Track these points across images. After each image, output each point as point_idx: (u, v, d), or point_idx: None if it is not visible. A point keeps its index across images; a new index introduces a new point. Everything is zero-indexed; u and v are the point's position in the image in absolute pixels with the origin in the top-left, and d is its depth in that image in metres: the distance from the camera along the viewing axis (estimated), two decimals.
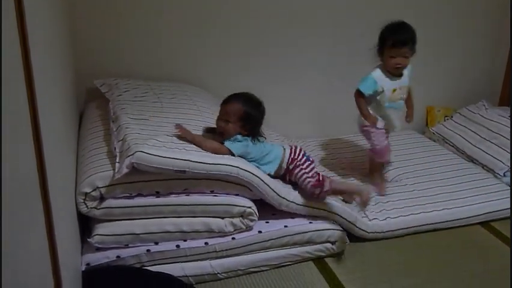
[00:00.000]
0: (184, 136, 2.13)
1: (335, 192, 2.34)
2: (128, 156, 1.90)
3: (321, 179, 2.25)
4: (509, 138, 3.01)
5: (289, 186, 2.29)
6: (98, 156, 2.09)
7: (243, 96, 2.26)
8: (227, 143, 2.17)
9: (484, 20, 3.54)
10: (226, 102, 2.24)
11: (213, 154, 2.07)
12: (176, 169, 1.95)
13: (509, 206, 2.61)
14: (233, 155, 2.14)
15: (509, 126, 3.09)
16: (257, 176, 2.10)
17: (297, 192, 2.25)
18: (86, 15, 2.72)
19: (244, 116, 2.19)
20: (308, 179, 2.24)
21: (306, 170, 2.27)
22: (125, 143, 2.00)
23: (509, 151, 2.95)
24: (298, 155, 2.30)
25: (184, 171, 1.97)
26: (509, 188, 2.77)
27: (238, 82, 3.07)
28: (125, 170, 1.89)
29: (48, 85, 1.42)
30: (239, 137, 2.19)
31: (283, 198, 2.19)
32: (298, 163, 2.28)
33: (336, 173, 2.84)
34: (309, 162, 2.30)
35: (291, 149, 2.32)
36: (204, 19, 2.92)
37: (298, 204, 2.22)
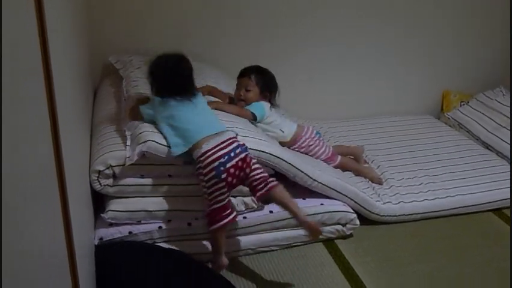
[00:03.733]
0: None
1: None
2: (140, 143, 1.91)
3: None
4: None
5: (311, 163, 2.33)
6: (111, 134, 2.11)
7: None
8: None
9: (505, 3, 3.46)
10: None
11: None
12: (185, 160, 1.98)
13: None
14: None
15: None
16: (269, 154, 2.11)
17: (320, 171, 2.27)
18: None
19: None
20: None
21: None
22: (137, 127, 2.02)
23: None
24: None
25: (190, 162, 1.99)
26: None
27: (253, 62, 3.07)
28: (136, 158, 1.91)
29: (64, 63, 1.43)
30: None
31: (308, 175, 2.21)
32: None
33: None
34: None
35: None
36: None
37: (320, 183, 2.25)
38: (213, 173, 1.87)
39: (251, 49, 3.06)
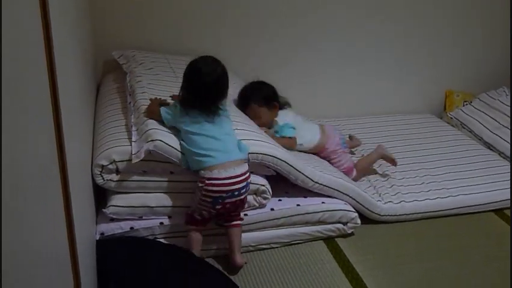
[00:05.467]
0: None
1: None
2: (148, 141, 1.90)
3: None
4: None
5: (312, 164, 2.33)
6: (115, 129, 2.11)
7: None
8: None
9: (506, 3, 3.45)
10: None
11: None
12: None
13: None
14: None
15: None
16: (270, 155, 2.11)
17: (321, 172, 2.27)
18: None
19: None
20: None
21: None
22: (144, 123, 2.01)
23: None
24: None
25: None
26: None
27: (258, 59, 3.08)
28: (143, 155, 1.90)
29: (67, 57, 1.43)
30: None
31: (308, 177, 2.21)
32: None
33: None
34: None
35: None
36: None
37: (322, 185, 2.25)
38: (209, 199, 1.90)
39: (251, 46, 3.05)
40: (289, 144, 2.41)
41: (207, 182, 1.88)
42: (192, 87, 1.94)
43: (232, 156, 1.91)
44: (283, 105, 2.57)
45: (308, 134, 2.55)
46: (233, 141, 1.99)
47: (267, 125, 2.49)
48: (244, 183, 1.92)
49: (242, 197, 1.94)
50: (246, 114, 2.41)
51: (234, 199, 1.91)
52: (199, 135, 1.91)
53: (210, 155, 1.88)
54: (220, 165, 1.87)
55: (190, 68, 1.96)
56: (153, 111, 2.02)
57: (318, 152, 2.56)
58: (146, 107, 2.06)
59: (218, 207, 1.91)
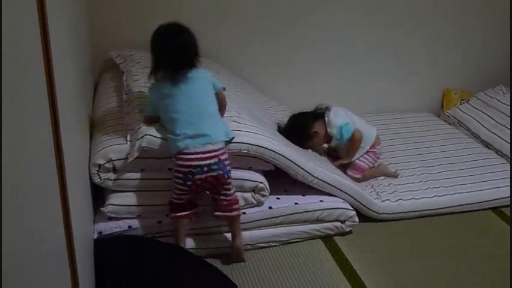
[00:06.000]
0: None
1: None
2: (138, 139, 1.92)
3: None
4: None
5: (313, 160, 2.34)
6: (112, 128, 2.11)
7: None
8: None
9: (506, 1, 3.46)
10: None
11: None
12: None
13: None
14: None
15: None
16: (265, 147, 2.11)
17: (321, 168, 2.27)
18: None
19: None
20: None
21: None
22: (136, 122, 2.02)
23: None
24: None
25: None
26: None
27: (258, 59, 3.08)
28: (136, 154, 1.92)
29: (65, 57, 1.43)
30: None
31: (308, 172, 2.22)
32: None
33: None
34: None
35: None
36: None
37: (321, 180, 2.25)
38: (181, 175, 1.90)
39: (251, 46, 3.05)
40: (358, 138, 2.51)
41: (177, 156, 1.88)
42: (158, 47, 1.95)
43: (203, 128, 1.89)
44: (322, 115, 2.56)
45: (366, 137, 2.58)
46: (209, 98, 1.98)
47: (324, 141, 2.57)
48: (215, 159, 1.88)
49: (214, 173, 1.89)
50: (305, 147, 2.49)
51: (203, 175, 1.88)
52: (172, 101, 1.90)
53: (181, 123, 1.87)
54: (191, 142, 1.87)
55: (154, 33, 1.96)
56: (147, 119, 2.03)
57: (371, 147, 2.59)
58: (142, 106, 2.07)
59: (189, 183, 1.89)
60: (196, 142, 1.87)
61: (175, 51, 1.93)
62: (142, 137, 1.92)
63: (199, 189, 1.94)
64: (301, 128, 2.52)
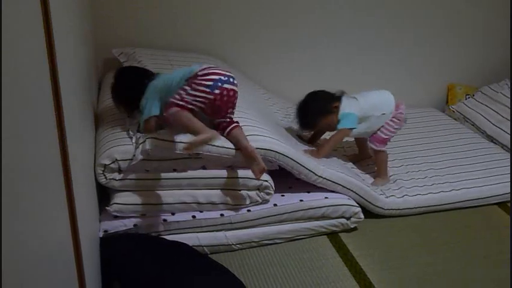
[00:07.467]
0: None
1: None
2: (141, 143, 1.93)
3: None
4: None
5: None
6: (117, 128, 2.11)
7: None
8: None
9: None
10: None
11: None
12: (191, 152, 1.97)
13: None
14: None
15: None
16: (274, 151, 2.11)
17: (324, 167, 2.27)
18: None
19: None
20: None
21: None
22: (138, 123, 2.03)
23: None
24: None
25: (199, 153, 1.99)
26: None
27: (258, 56, 3.07)
28: (140, 157, 1.92)
29: (69, 55, 1.43)
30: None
31: (313, 172, 2.21)
32: None
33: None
34: None
35: None
36: None
37: (325, 179, 2.25)
38: (208, 83, 1.89)
39: (251, 42, 3.05)
40: (341, 136, 2.47)
41: (202, 71, 1.91)
42: (121, 97, 2.11)
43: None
44: (339, 98, 2.48)
45: (385, 104, 2.50)
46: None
47: (333, 127, 2.48)
48: (232, 75, 1.97)
49: (236, 88, 1.96)
50: (318, 130, 2.56)
51: (230, 86, 1.93)
52: (163, 78, 2.01)
53: (180, 74, 1.96)
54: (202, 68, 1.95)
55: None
56: (149, 129, 2.00)
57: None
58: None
59: (216, 91, 1.90)
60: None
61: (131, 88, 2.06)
62: (144, 141, 1.92)
63: (218, 104, 1.94)
64: (324, 101, 2.47)
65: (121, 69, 2.19)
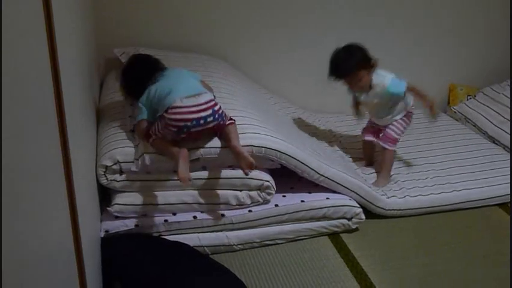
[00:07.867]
0: None
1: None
2: (141, 156, 1.94)
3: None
4: None
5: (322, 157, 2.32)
6: (118, 129, 2.12)
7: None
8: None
9: None
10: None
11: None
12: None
13: None
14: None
15: None
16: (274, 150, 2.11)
17: (327, 166, 2.26)
18: None
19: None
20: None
21: None
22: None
23: None
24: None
25: (198, 158, 1.99)
26: None
27: (258, 55, 3.07)
28: (139, 167, 1.95)
29: (71, 55, 1.43)
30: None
31: (316, 172, 2.21)
32: None
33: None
34: None
35: None
36: None
37: (327, 178, 2.24)
38: (174, 129, 1.90)
39: (253, 41, 3.05)
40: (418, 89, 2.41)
41: (169, 111, 1.87)
42: (127, 84, 2.13)
43: (191, 89, 1.94)
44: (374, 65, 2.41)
45: (409, 96, 2.49)
46: (190, 76, 2.07)
47: (366, 87, 2.39)
48: (210, 111, 1.90)
49: (210, 125, 1.92)
50: (346, 81, 2.41)
51: (199, 128, 1.90)
52: (157, 89, 1.97)
53: (172, 93, 1.90)
54: (181, 98, 1.89)
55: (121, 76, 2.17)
56: (140, 131, 2.02)
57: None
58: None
59: (183, 135, 1.92)
60: (189, 96, 1.90)
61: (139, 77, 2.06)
62: (141, 155, 1.94)
63: (192, 137, 1.94)
64: (368, 54, 2.39)
65: (134, 56, 2.21)
